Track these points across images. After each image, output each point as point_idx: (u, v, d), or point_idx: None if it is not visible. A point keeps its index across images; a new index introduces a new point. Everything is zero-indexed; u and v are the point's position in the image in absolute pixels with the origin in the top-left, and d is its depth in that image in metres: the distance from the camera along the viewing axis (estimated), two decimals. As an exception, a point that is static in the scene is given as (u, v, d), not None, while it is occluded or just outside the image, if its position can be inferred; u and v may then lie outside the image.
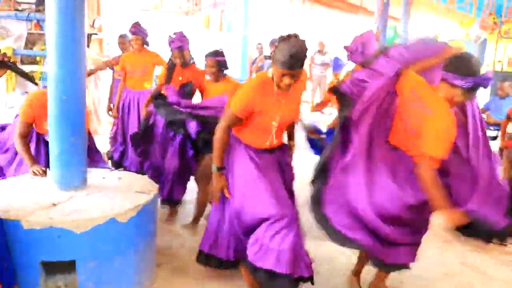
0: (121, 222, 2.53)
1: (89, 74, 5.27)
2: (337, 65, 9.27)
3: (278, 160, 2.67)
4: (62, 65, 2.70)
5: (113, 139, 5.13)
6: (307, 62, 9.87)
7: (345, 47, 3.43)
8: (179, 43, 4.08)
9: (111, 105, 5.54)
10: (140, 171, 4.56)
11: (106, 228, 2.47)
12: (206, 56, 3.86)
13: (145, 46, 4.96)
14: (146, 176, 3.45)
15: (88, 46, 5.51)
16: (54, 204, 2.58)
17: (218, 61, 3.84)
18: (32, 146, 3.38)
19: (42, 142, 3.40)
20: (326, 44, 9.17)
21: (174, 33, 4.16)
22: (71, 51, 2.70)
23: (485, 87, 2.30)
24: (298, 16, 10.21)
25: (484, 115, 6.10)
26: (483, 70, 2.68)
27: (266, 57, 7.89)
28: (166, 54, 4.91)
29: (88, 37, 5.46)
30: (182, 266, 3.28)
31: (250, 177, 2.51)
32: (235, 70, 8.19)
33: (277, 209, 2.40)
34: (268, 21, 10.79)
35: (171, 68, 4.18)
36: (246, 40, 9.56)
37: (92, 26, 6.71)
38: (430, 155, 2.27)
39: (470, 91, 2.29)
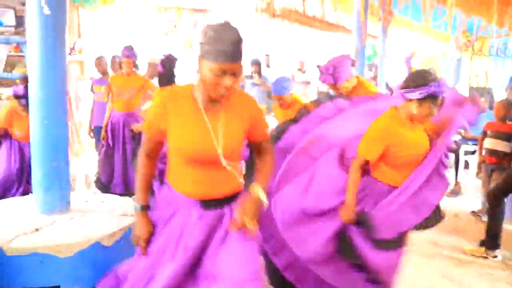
0: (105, 246, 2.51)
1: None
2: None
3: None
4: (43, 88, 2.70)
5: (102, 161, 5.07)
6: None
7: (318, 66, 3.43)
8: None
9: (92, 127, 5.53)
10: (125, 193, 4.60)
11: (90, 252, 2.44)
12: None
13: (134, 69, 4.98)
14: (129, 198, 3.42)
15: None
16: (37, 229, 2.55)
17: None
18: (4, 151, 4.06)
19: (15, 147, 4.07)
20: (306, 62, 9.33)
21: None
22: (52, 74, 2.71)
23: (438, 94, 2.33)
24: (278, 35, 10.36)
25: (461, 130, 6.23)
26: (450, 83, 2.82)
27: (247, 77, 7.96)
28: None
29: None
30: None
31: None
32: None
33: None
34: (249, 40, 10.92)
35: None
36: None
37: (73, 48, 6.70)
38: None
39: (425, 101, 2.33)
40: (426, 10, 6.20)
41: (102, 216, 2.82)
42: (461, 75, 9.70)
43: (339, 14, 8.26)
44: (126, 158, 4.99)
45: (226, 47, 1.64)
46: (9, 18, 6.03)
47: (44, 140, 2.75)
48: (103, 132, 5.03)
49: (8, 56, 6.19)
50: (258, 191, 1.86)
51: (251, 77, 7.84)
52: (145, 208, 1.92)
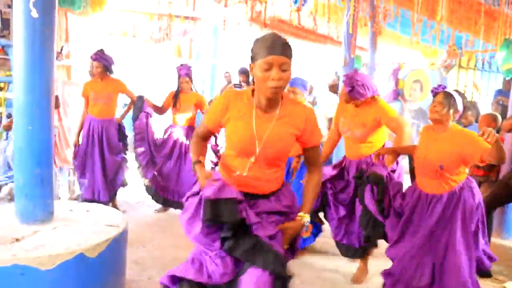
0: (89, 258, 2.42)
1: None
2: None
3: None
4: (28, 93, 2.62)
5: (79, 170, 4.97)
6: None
7: (352, 79, 3.50)
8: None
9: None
10: (107, 201, 4.54)
11: (73, 264, 2.35)
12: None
13: (108, 73, 4.92)
14: (114, 209, 3.34)
15: None
16: (17, 239, 2.45)
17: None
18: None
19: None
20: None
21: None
22: (38, 79, 2.63)
23: None
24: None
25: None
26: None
27: (235, 86, 7.94)
28: (132, 80, 4.99)
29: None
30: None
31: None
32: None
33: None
34: (237, 50, 10.89)
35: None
36: (214, 69, 9.61)
37: (60, 53, 6.60)
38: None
39: None
40: (414, 23, 6.25)
41: (87, 226, 2.73)
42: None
43: (329, 25, 8.29)
44: (105, 166, 4.92)
45: (268, 43, 1.86)
46: (-5, 21, 5.93)
47: (28, 146, 2.66)
48: (76, 139, 4.97)
49: (-8, 58, 6.06)
50: (303, 218, 2.10)
51: (239, 86, 7.82)
52: (199, 162, 2.12)
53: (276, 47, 1.85)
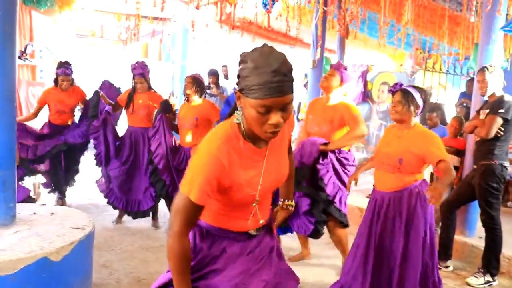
0: (53, 262, 2.37)
1: None
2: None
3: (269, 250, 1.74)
4: (-11, 94, 2.55)
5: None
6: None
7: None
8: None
9: None
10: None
11: (36, 268, 2.29)
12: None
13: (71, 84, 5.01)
14: (81, 211, 3.28)
15: None
16: (-22, 244, 2.38)
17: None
18: None
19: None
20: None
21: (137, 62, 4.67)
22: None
23: None
24: (237, 47, 10.38)
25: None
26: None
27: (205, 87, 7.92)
28: (96, 82, 5.09)
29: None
30: (119, 305, 3.10)
31: None
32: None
33: None
34: (207, 51, 10.86)
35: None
36: (184, 70, 9.55)
37: (24, 52, 6.43)
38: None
39: None
40: (381, 26, 6.37)
41: (51, 229, 2.67)
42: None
43: (298, 27, 8.38)
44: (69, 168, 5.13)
45: (267, 77, 1.32)
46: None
47: (-11, 149, 2.59)
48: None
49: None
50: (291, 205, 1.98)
51: (208, 87, 7.80)
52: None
53: (276, 84, 1.32)
